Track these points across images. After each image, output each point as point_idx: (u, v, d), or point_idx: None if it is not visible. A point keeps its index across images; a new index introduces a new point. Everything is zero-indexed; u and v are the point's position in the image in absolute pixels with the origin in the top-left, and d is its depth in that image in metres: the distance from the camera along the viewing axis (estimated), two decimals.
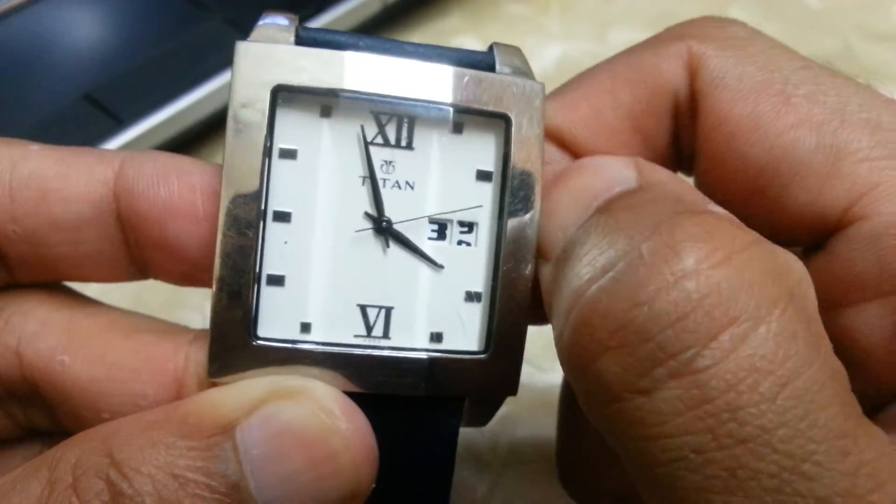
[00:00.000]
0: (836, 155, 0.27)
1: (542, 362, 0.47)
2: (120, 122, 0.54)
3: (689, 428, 0.21)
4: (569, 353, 0.24)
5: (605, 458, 0.34)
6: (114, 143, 0.53)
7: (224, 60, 0.56)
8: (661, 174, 0.28)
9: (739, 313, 0.21)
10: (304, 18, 0.28)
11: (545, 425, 0.47)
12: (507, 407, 0.30)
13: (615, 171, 0.27)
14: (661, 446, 0.21)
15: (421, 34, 0.69)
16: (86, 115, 0.55)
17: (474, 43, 0.68)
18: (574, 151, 0.30)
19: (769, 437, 0.20)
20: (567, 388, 0.37)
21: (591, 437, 0.35)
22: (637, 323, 0.22)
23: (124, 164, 0.28)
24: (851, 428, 0.21)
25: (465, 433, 0.30)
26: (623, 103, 0.30)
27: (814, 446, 0.20)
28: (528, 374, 0.29)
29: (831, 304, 0.27)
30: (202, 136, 0.58)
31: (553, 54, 0.68)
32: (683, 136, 0.31)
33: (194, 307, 0.51)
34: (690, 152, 0.31)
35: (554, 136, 0.30)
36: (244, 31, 0.27)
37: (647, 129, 0.30)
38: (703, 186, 0.31)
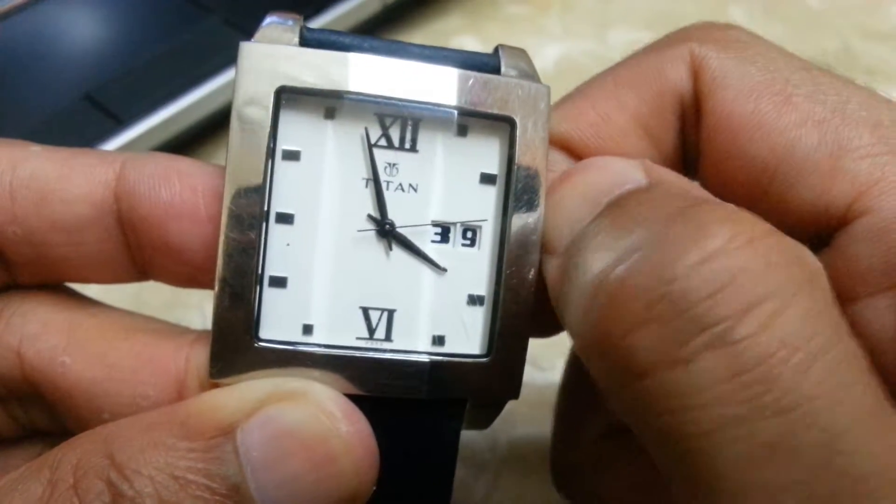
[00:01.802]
0: (838, 152, 0.28)
1: (541, 362, 0.47)
2: (120, 123, 0.54)
3: (726, 398, 0.21)
4: (596, 333, 0.24)
5: (600, 463, 0.34)
6: (114, 144, 0.53)
7: (224, 61, 0.57)
8: (669, 174, 0.28)
9: (769, 291, 0.22)
10: (304, 18, 0.28)
11: (544, 424, 0.47)
12: (507, 406, 0.30)
13: (623, 170, 0.27)
14: (696, 418, 0.21)
15: (421, 34, 0.69)
16: (86, 115, 0.55)
17: (474, 43, 0.68)
18: (583, 158, 0.30)
19: (806, 410, 0.21)
20: (564, 395, 0.37)
21: (587, 442, 0.35)
22: (671, 297, 0.22)
23: (125, 166, 0.28)
24: (879, 409, 0.21)
25: (465, 433, 0.30)
26: (629, 107, 0.30)
27: (847, 421, 0.21)
28: (527, 373, 0.29)
29: (838, 300, 0.27)
30: (202, 136, 0.58)
31: (553, 54, 0.68)
32: (689, 138, 0.31)
33: (194, 307, 0.51)
34: (696, 154, 0.31)
35: (562, 144, 0.30)
36: (244, 32, 0.27)
37: (655, 132, 0.30)
38: (708, 187, 0.30)
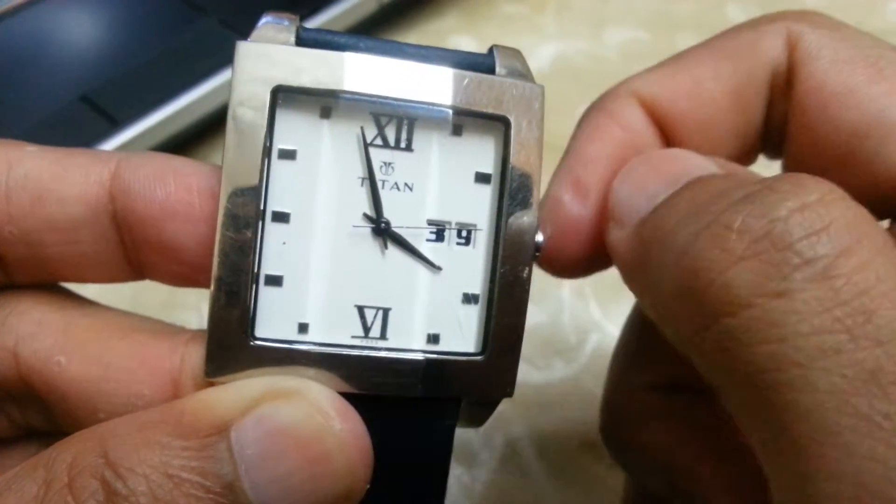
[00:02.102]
0: None
1: (536, 360, 0.47)
2: (116, 124, 0.54)
3: (826, 327, 0.22)
4: (689, 274, 0.25)
5: (648, 414, 0.35)
6: (110, 144, 0.53)
7: (220, 62, 0.57)
8: (742, 168, 0.30)
9: (863, 237, 0.23)
10: (300, 18, 0.28)
11: (539, 423, 0.48)
12: (502, 405, 0.30)
13: (699, 160, 0.29)
14: (796, 345, 0.22)
15: (417, 34, 0.69)
16: (82, 116, 0.55)
17: (470, 43, 0.68)
18: (667, 123, 0.32)
19: None
20: (622, 344, 0.38)
21: (638, 392, 0.36)
22: (774, 234, 0.23)
23: (120, 165, 0.28)
24: None
25: (460, 431, 0.30)
26: (723, 75, 0.31)
27: None
28: (522, 372, 0.29)
29: None
30: (198, 137, 0.58)
31: (549, 53, 0.68)
32: (777, 107, 0.32)
33: (191, 307, 0.51)
34: (781, 127, 0.32)
35: (649, 106, 0.32)
36: (240, 33, 0.27)
37: (746, 100, 0.32)
38: (796, 155, 0.32)
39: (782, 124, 0.32)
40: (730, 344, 0.24)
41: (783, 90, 0.31)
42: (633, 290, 0.29)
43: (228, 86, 0.27)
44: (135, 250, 0.28)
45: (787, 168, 0.33)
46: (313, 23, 0.60)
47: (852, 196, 0.25)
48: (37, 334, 0.28)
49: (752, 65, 0.31)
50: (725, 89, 0.31)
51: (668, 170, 0.29)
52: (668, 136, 0.32)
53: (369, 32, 0.65)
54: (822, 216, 0.23)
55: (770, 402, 0.23)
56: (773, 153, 0.34)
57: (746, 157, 0.34)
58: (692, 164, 0.29)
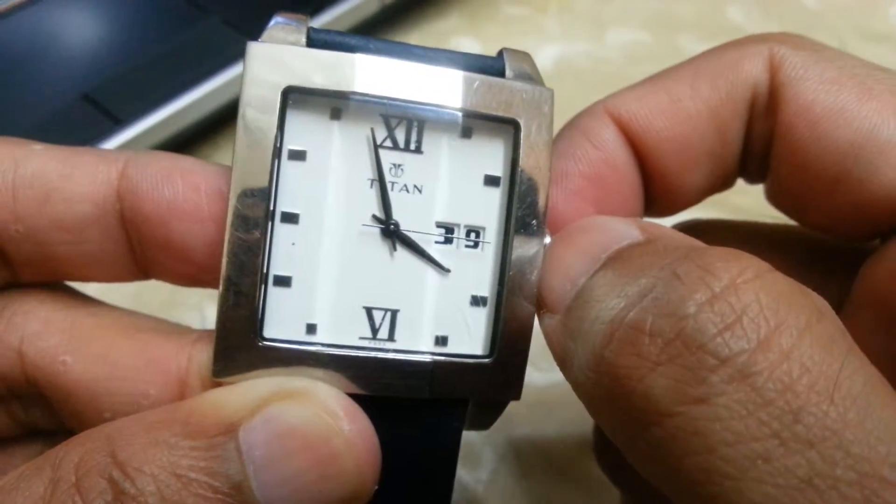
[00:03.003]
0: None
1: (539, 362, 0.47)
2: (118, 122, 0.54)
3: (753, 433, 0.20)
4: (610, 381, 0.23)
5: None
6: (112, 143, 0.52)
7: (223, 61, 0.57)
8: (665, 230, 0.28)
9: (783, 320, 0.22)
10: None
11: (542, 423, 0.48)
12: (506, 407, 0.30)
13: (619, 228, 0.28)
14: (723, 456, 0.21)
15: (419, 34, 0.69)
16: (84, 114, 0.55)
17: (473, 44, 0.68)
18: (640, 143, 0.31)
19: (839, 440, 0.20)
20: None
21: None
22: (685, 334, 0.22)
23: (128, 165, 0.28)
24: None
25: (464, 433, 0.30)
26: (702, 94, 0.31)
27: (885, 448, 0.20)
28: (526, 373, 0.29)
29: None
30: (201, 136, 0.58)
31: (551, 55, 0.68)
32: (757, 128, 0.31)
33: (193, 307, 0.51)
34: (762, 151, 0.32)
35: (623, 125, 0.31)
36: (243, 32, 0.27)
37: (723, 119, 0.31)
38: (782, 178, 0.31)
39: (762, 147, 0.31)
40: (660, 454, 0.22)
41: (764, 111, 0.31)
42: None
43: (232, 84, 0.27)
44: (141, 250, 0.28)
45: (772, 192, 0.33)
46: (316, 23, 0.60)
47: (849, 214, 0.24)
48: (42, 333, 0.28)
49: (731, 84, 0.31)
50: (703, 108, 0.31)
51: (587, 247, 0.27)
52: (643, 155, 0.31)
53: (371, 33, 0.64)
54: (733, 305, 0.22)
55: None
56: (752, 177, 0.33)
57: (724, 179, 0.33)
58: (612, 235, 0.27)
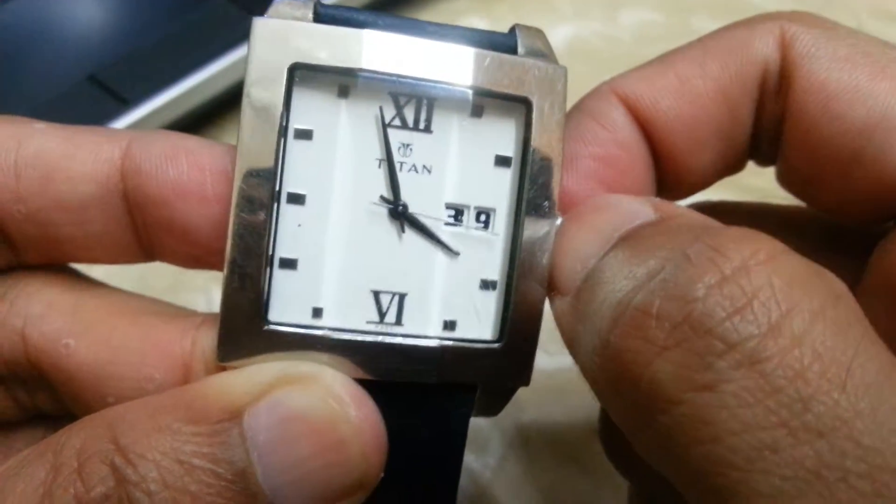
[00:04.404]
0: None
1: (548, 346, 0.46)
2: (125, 103, 0.54)
3: (760, 422, 0.20)
4: (616, 366, 0.23)
5: None
6: (118, 124, 0.53)
7: (229, 41, 0.57)
8: (679, 209, 0.27)
9: (795, 304, 0.21)
10: None
11: (551, 410, 0.47)
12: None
13: (633, 207, 0.27)
14: (730, 446, 0.20)
15: (429, 14, 0.68)
16: (90, 96, 0.55)
17: (483, 24, 0.68)
18: (649, 123, 0.30)
19: (849, 430, 0.19)
20: None
21: None
22: (693, 318, 0.21)
23: (132, 144, 0.27)
24: None
25: (472, 418, 0.29)
26: (711, 73, 0.30)
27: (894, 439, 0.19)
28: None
29: None
30: (208, 117, 0.58)
31: (564, 34, 0.68)
32: (768, 108, 0.31)
33: (199, 289, 0.50)
34: (773, 131, 0.31)
35: (630, 105, 0.30)
36: (249, 11, 0.27)
37: (734, 99, 0.30)
38: (794, 158, 0.31)
39: (773, 127, 0.31)
40: (666, 442, 0.22)
41: (775, 91, 0.30)
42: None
43: (239, 65, 0.26)
44: (145, 231, 0.28)
45: (783, 173, 0.32)
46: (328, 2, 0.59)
47: (861, 196, 0.23)
48: (45, 316, 0.28)
49: (741, 63, 0.30)
50: (712, 87, 0.30)
51: (599, 226, 0.27)
52: (651, 136, 0.30)
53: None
54: (743, 288, 0.21)
55: (712, 499, 0.21)
56: (763, 159, 0.33)
57: (735, 161, 0.32)
58: (624, 214, 0.27)
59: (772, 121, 0.31)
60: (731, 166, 0.33)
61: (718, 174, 0.33)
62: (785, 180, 0.32)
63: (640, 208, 0.27)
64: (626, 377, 0.23)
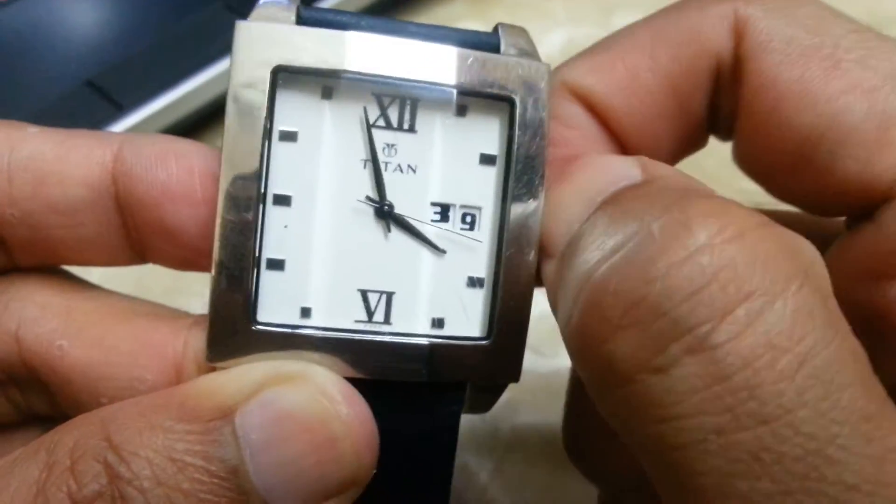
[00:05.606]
0: (887, 122, 0.26)
1: (543, 348, 0.47)
2: (121, 108, 0.54)
3: (707, 407, 0.20)
4: (578, 338, 0.23)
5: (608, 433, 0.34)
6: (114, 129, 0.53)
7: (225, 46, 0.56)
8: (667, 169, 0.27)
9: (755, 288, 0.20)
10: (308, 2, 0.27)
11: (547, 410, 0.47)
12: (509, 392, 0.29)
13: (619, 167, 0.26)
14: (678, 427, 0.20)
15: (425, 19, 0.69)
16: (87, 101, 0.55)
17: (478, 28, 0.68)
18: (604, 115, 0.30)
19: (791, 418, 0.20)
20: (575, 369, 0.37)
21: (598, 418, 0.35)
22: (650, 299, 0.21)
23: (123, 147, 0.27)
24: (875, 411, 0.20)
25: (467, 419, 0.30)
26: (661, 65, 0.29)
27: (837, 428, 0.20)
28: (529, 359, 0.28)
29: (875, 276, 0.27)
30: (203, 121, 0.58)
31: (558, 40, 0.68)
32: (723, 101, 0.30)
33: (196, 293, 0.50)
34: (729, 117, 0.30)
35: (585, 98, 0.30)
36: (245, 17, 0.27)
37: (685, 93, 0.29)
38: (746, 155, 0.30)
39: (729, 114, 0.30)
40: (625, 415, 0.22)
41: (729, 82, 0.29)
42: None
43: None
44: (137, 233, 0.28)
45: (737, 158, 0.31)
46: (321, 5, 0.59)
47: (811, 197, 0.23)
48: (39, 318, 0.28)
49: (692, 55, 0.29)
50: (662, 82, 0.29)
51: (585, 187, 0.26)
52: (609, 129, 0.30)
53: None
54: (704, 269, 0.21)
55: (663, 475, 0.22)
56: (724, 136, 0.32)
57: (693, 143, 0.32)
58: (609, 174, 0.26)
59: (727, 109, 0.30)
60: (691, 148, 0.32)
61: (680, 156, 0.32)
62: (740, 164, 0.31)
63: (627, 169, 0.26)
64: (585, 351, 0.23)
